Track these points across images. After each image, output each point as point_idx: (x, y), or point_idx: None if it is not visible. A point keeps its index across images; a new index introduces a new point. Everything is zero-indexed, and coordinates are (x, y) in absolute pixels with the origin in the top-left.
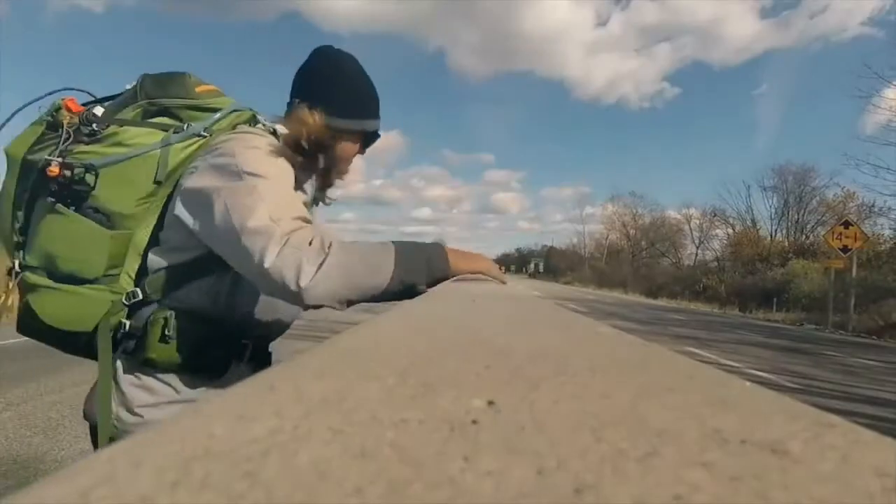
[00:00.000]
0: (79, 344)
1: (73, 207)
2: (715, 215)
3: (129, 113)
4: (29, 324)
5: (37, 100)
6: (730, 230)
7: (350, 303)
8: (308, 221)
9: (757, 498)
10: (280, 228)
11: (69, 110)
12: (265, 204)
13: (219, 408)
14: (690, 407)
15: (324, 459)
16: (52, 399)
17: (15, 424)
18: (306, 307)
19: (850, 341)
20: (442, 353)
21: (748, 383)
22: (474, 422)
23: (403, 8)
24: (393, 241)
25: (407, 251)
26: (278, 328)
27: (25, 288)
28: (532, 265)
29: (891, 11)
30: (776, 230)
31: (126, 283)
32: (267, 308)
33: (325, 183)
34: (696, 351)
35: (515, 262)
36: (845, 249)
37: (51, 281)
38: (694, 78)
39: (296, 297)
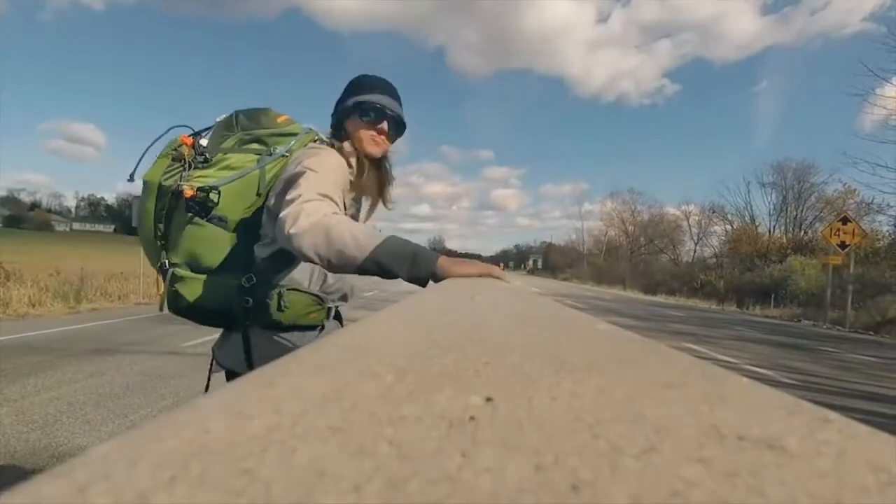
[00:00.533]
0: (216, 317)
1: (205, 218)
2: (714, 212)
3: (229, 143)
4: (178, 305)
5: (158, 138)
6: (728, 227)
7: (331, 265)
8: (335, 202)
9: (754, 493)
10: (303, 198)
11: (186, 145)
12: (305, 186)
13: (217, 404)
14: (688, 403)
15: (322, 456)
16: (49, 395)
17: (12, 420)
18: (298, 254)
19: (848, 337)
20: (440, 349)
21: (745, 379)
22: (472, 418)
23: (404, 6)
24: (393, 235)
25: (395, 242)
26: (350, 294)
27: (173, 279)
28: (531, 262)
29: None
30: (775, 226)
31: (244, 269)
32: (341, 280)
33: (379, 189)
34: (694, 347)
35: (514, 259)
36: (843, 246)
37: (193, 273)
38: (694, 75)
39: (287, 241)
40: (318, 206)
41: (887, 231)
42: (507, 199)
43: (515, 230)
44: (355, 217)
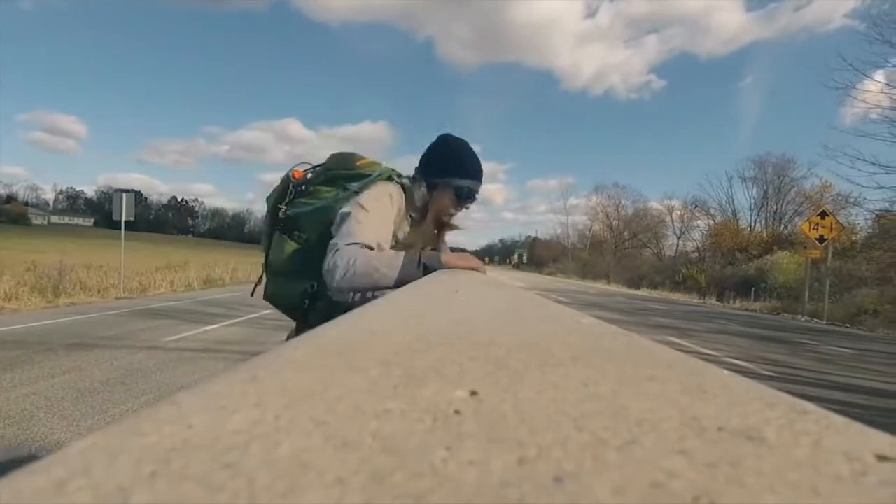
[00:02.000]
0: (288, 310)
1: (287, 235)
2: (696, 206)
3: (319, 178)
4: (266, 295)
5: (289, 170)
6: (710, 221)
7: (364, 297)
8: (369, 245)
9: (733, 484)
10: (342, 243)
11: (295, 178)
12: (346, 228)
13: (199, 399)
14: (670, 396)
15: (306, 450)
16: (25, 391)
17: None
18: (333, 293)
19: (825, 329)
20: (425, 344)
21: (726, 372)
22: (457, 412)
23: None
24: (404, 253)
25: (408, 261)
26: None
27: (268, 276)
28: (515, 256)
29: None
30: (755, 221)
31: (311, 277)
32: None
33: (438, 227)
34: (676, 340)
35: (499, 254)
36: (821, 239)
37: (277, 275)
38: (681, 70)
39: (332, 289)
40: (350, 251)
41: (863, 225)
42: (494, 193)
43: (501, 224)
44: (410, 246)
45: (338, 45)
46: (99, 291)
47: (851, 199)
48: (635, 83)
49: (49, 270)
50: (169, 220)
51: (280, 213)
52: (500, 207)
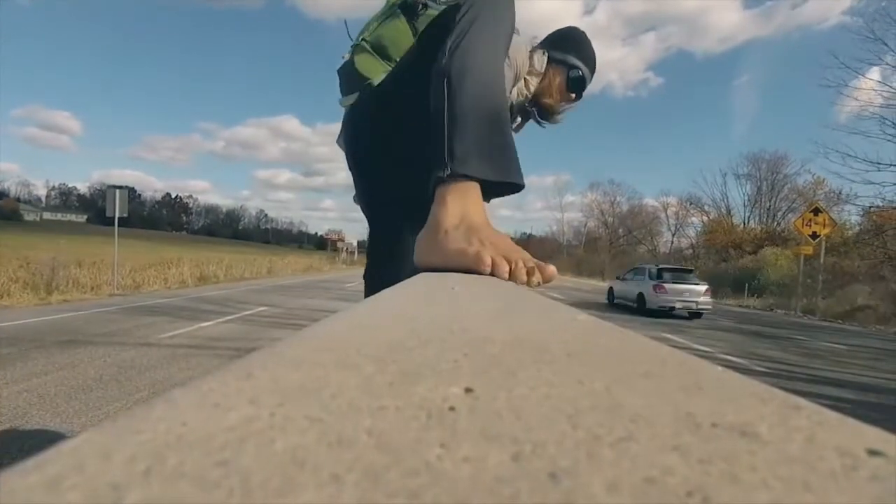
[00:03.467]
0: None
1: None
2: (691, 203)
3: None
4: None
5: None
6: (705, 218)
7: None
8: None
9: (727, 479)
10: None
11: None
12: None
13: (193, 396)
14: (664, 392)
15: (300, 447)
16: (18, 388)
17: None
18: None
19: (818, 325)
20: (420, 341)
21: (720, 368)
22: (452, 409)
23: None
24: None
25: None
26: None
27: None
28: None
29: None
30: (749, 217)
31: None
32: None
33: (525, 113)
34: (671, 336)
35: None
36: (814, 236)
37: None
38: (678, 67)
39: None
40: None
41: (856, 221)
42: None
43: (496, 222)
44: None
45: (334, 41)
46: (92, 288)
47: (844, 196)
48: (633, 81)
49: (41, 267)
50: (163, 217)
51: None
52: (495, 205)
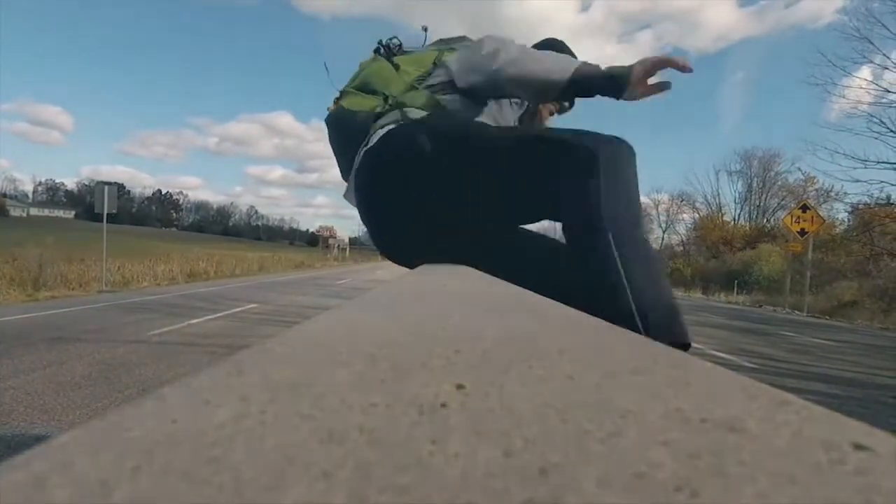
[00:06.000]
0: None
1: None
2: (683, 200)
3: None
4: None
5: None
6: (696, 215)
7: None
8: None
9: (715, 473)
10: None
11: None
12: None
13: (183, 393)
14: (654, 388)
15: (291, 444)
16: (4, 385)
17: None
18: None
19: (805, 321)
20: (411, 337)
21: (709, 364)
22: (443, 405)
23: None
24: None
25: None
26: None
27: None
28: None
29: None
30: (740, 214)
31: None
32: None
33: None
34: None
35: None
36: (803, 232)
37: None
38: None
39: (490, 79)
40: (494, 40)
41: (844, 218)
42: None
43: None
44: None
45: (329, 37)
46: (81, 285)
47: (833, 194)
48: None
49: (29, 263)
50: (152, 214)
51: None
52: None
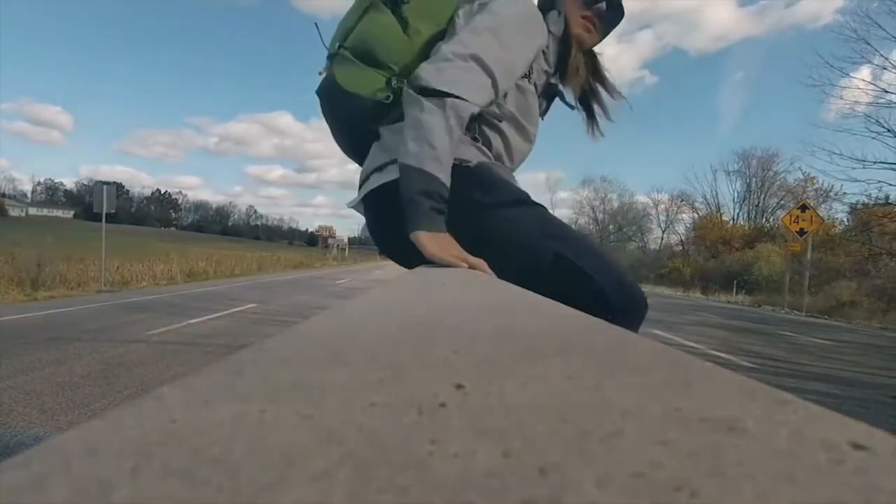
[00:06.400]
0: None
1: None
2: (682, 200)
3: None
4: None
5: None
6: (695, 215)
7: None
8: (486, 71)
9: (714, 473)
10: (448, 53)
11: None
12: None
13: (182, 393)
14: (653, 388)
15: (291, 443)
16: (3, 385)
17: None
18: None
19: (804, 321)
20: (411, 337)
21: (709, 364)
22: (442, 405)
23: None
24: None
25: (413, 178)
26: None
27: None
28: None
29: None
30: (739, 214)
31: None
32: None
33: (594, 75)
34: (660, 333)
35: None
36: (802, 232)
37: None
38: (673, 65)
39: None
40: (453, 73)
41: (843, 218)
42: None
43: None
44: (541, 89)
45: (330, 37)
46: (79, 285)
47: (832, 194)
48: (628, 78)
49: (27, 263)
50: (151, 213)
51: None
52: None
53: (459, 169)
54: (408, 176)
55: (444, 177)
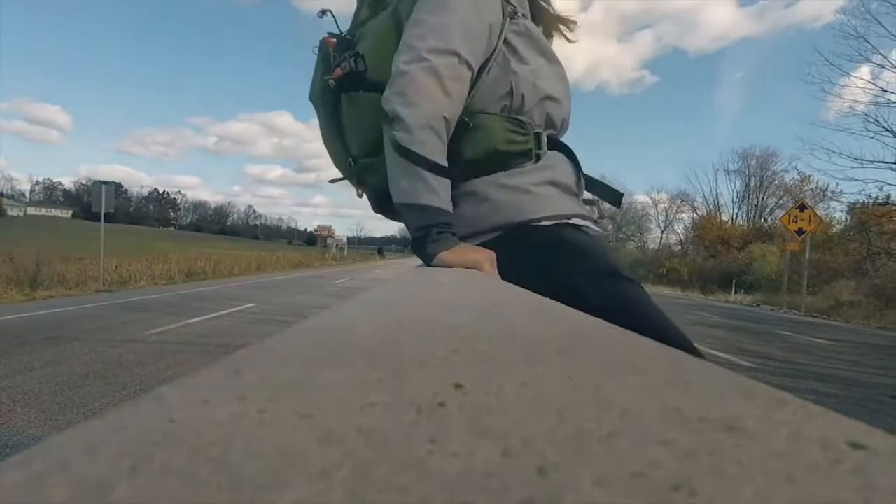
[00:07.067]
0: None
1: (360, 90)
2: (682, 200)
3: (364, 13)
4: (377, 200)
5: (317, 60)
6: (694, 214)
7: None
8: (454, 53)
9: (713, 473)
10: (402, 62)
11: (328, 43)
12: (416, 34)
13: (181, 393)
14: (652, 387)
15: (290, 443)
16: (2, 385)
17: None
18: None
19: (803, 321)
20: (410, 337)
21: (707, 364)
22: (441, 405)
23: None
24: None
25: (407, 208)
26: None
27: (360, 172)
28: None
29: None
30: (738, 213)
31: None
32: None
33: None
34: None
35: None
36: (800, 232)
37: (371, 157)
38: (673, 65)
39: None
40: (415, 83)
41: (841, 217)
42: None
43: None
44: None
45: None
46: (78, 284)
47: (830, 193)
48: (628, 78)
49: (26, 263)
50: (150, 213)
51: (331, 79)
52: None
53: (529, 229)
54: (408, 214)
55: (442, 199)
